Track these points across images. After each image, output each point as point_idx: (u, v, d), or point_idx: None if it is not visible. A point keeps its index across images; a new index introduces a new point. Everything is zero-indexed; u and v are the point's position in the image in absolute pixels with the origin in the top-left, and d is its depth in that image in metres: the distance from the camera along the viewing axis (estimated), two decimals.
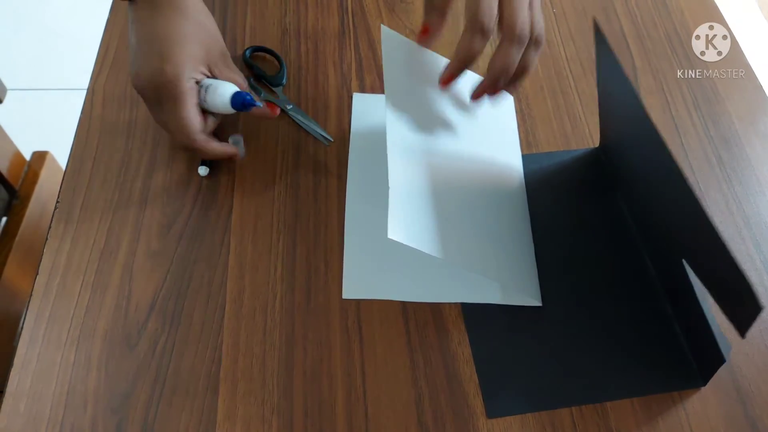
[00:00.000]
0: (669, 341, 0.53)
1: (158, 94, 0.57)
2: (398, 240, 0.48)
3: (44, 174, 1.37)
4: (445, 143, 0.59)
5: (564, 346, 0.53)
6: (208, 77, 0.59)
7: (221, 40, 0.62)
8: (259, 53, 0.71)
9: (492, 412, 0.50)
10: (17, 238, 1.28)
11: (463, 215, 0.56)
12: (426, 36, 0.58)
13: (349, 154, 0.63)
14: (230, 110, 0.59)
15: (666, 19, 0.75)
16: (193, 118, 0.57)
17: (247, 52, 0.70)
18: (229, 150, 0.60)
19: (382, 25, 0.60)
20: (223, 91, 0.58)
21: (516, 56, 0.52)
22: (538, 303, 0.55)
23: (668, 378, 0.52)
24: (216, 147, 0.59)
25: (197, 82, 0.58)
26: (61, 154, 1.41)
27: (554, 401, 0.51)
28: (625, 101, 0.52)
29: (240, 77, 0.61)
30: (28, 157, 1.36)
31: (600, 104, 0.61)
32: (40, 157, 1.39)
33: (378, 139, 0.63)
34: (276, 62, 0.70)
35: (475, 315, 0.54)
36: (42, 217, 1.36)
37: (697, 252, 0.47)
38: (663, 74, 0.70)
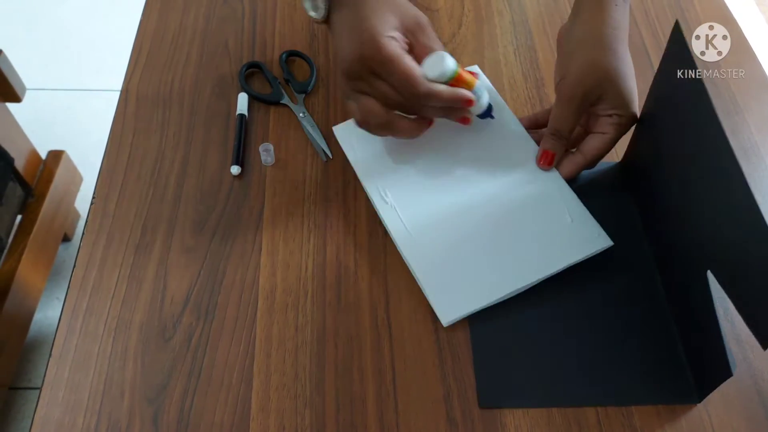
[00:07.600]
0: (670, 357, 0.54)
1: (366, 65, 0.55)
2: (453, 320, 0.54)
3: (59, 173, 1.38)
4: (446, 182, 0.62)
5: (564, 352, 0.54)
6: (406, 42, 0.58)
7: (413, 11, 0.59)
8: (294, 57, 0.73)
9: (484, 402, 0.52)
10: (32, 236, 1.29)
11: (499, 235, 0.59)
12: (547, 164, 0.62)
13: (363, 185, 0.62)
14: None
15: (686, 30, 0.76)
16: (413, 67, 0.55)
17: (284, 56, 0.72)
18: (463, 93, 0.57)
19: (333, 127, 0.65)
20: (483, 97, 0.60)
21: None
22: (609, 243, 0.58)
23: (663, 391, 0.53)
24: (447, 89, 0.57)
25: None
26: (75, 153, 1.42)
27: (550, 400, 0.52)
28: (694, 114, 0.51)
29: (439, 45, 0.59)
30: (43, 155, 1.37)
31: (642, 120, 0.62)
32: (55, 156, 1.40)
33: (377, 158, 0.64)
34: (308, 68, 0.72)
35: (479, 319, 0.55)
36: (56, 215, 1.37)
37: (728, 263, 0.47)
38: None
